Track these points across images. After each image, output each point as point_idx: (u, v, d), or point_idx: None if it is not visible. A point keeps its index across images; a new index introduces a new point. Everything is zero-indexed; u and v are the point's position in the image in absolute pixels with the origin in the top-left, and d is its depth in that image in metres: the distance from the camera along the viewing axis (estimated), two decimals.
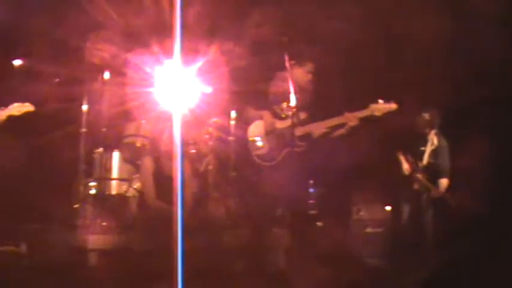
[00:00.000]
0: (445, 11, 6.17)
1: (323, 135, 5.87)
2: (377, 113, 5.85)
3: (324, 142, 5.93)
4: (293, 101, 5.39)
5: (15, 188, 6.75)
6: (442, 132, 7.22)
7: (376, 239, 7.59)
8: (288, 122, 5.68)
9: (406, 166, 7.11)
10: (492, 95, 7.14)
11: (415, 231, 7.13)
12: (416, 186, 7.10)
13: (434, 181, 7.07)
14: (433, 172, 6.97)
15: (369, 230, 7.77)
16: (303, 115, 5.84)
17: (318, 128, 5.86)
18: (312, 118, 5.85)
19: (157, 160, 6.02)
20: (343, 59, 7.21)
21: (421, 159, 7.15)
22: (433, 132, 7.19)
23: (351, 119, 5.79)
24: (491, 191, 7.14)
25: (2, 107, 5.34)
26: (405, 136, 6.78)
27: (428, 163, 7.06)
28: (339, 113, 5.86)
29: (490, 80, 7.22)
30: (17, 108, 5.42)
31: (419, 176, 7.05)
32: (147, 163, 5.97)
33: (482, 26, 6.17)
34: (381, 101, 5.87)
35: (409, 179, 7.05)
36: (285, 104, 5.74)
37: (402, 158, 7.18)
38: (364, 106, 5.87)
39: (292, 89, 5.34)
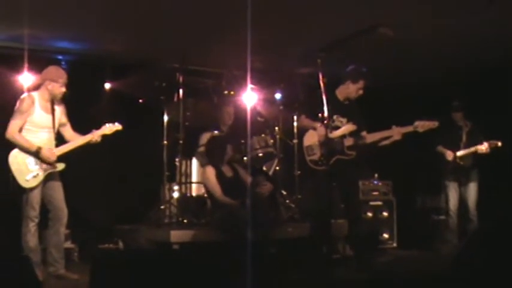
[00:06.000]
0: None
1: (370, 145, 6.15)
2: (420, 129, 6.06)
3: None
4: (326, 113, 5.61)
5: (112, 195, 7.66)
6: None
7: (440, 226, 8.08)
8: (339, 133, 6.04)
9: (449, 154, 7.47)
10: None
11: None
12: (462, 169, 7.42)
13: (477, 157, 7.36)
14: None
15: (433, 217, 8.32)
16: (352, 127, 6.09)
17: (366, 139, 6.15)
18: (361, 130, 6.18)
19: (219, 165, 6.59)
20: None
21: (458, 144, 7.48)
22: (461, 116, 7.52)
23: (397, 133, 6.02)
24: None
25: (96, 127, 5.84)
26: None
27: (468, 143, 7.38)
28: (387, 126, 6.13)
29: None
30: (109, 128, 5.90)
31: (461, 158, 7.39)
32: (209, 170, 6.59)
33: None
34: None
35: (455, 164, 7.42)
36: (335, 117, 6.07)
37: (441, 148, 7.55)
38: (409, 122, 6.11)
39: (326, 104, 5.56)
